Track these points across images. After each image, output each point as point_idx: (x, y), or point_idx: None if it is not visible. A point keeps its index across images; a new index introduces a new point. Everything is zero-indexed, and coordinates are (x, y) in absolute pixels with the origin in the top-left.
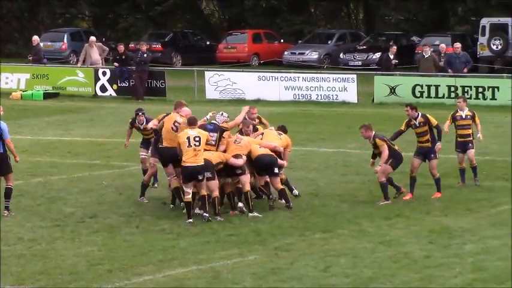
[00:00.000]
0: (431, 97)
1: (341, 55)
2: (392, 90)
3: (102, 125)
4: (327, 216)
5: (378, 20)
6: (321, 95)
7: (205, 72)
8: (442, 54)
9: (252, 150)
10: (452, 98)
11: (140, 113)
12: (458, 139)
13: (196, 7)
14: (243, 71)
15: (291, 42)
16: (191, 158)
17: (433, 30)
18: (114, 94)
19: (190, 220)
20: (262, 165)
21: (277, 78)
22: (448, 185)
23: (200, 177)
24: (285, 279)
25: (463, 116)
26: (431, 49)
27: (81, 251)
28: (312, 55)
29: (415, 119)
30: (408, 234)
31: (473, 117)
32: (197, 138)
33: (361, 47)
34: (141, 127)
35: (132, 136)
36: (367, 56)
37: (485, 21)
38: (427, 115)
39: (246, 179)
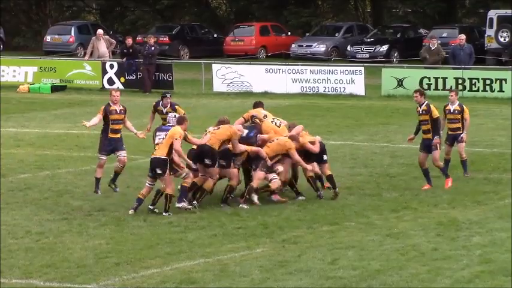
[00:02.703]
0: (438, 89)
1: (348, 47)
2: (400, 83)
3: None
4: (334, 209)
5: (385, 13)
6: (328, 87)
7: (213, 65)
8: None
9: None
10: (460, 90)
11: (168, 95)
12: (449, 132)
13: (203, 0)
14: (250, 64)
15: (298, 34)
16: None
17: (441, 23)
18: (121, 87)
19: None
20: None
21: (285, 71)
22: (456, 177)
23: (158, 171)
24: (293, 271)
25: (451, 110)
26: (438, 41)
27: (89, 244)
28: (320, 48)
29: (420, 105)
30: (416, 226)
31: (461, 112)
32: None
33: (369, 40)
34: (164, 111)
35: (137, 129)
36: (375, 49)
37: (492, 14)
38: (431, 105)
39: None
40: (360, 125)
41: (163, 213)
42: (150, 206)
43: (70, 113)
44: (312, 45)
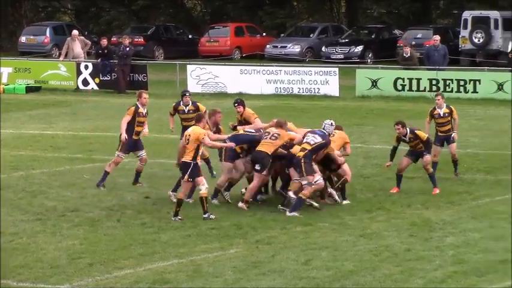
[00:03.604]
0: (412, 90)
1: (323, 48)
2: (374, 84)
3: (84, 119)
4: (308, 210)
5: (360, 13)
6: (302, 88)
7: (188, 65)
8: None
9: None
10: (434, 91)
11: (187, 94)
12: (439, 134)
13: (179, 1)
14: (225, 65)
15: (273, 35)
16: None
17: (415, 24)
18: (96, 88)
19: (174, 218)
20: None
21: (259, 72)
22: (427, 178)
23: (181, 174)
24: (266, 272)
25: (441, 114)
26: (412, 42)
27: (62, 244)
28: (294, 48)
29: (405, 136)
30: (389, 227)
31: (451, 114)
32: (188, 136)
33: (343, 41)
34: (186, 109)
35: (112, 129)
36: (349, 49)
37: (467, 14)
38: (416, 131)
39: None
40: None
41: (204, 216)
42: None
43: (45, 114)
44: (286, 46)
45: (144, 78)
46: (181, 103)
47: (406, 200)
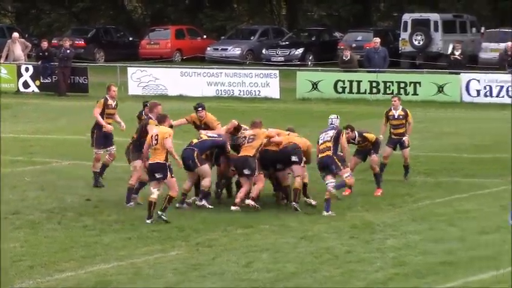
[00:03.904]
0: (353, 92)
1: (264, 51)
2: (315, 86)
3: (25, 121)
4: (249, 212)
5: (300, 16)
6: (243, 90)
7: (128, 68)
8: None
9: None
10: (374, 93)
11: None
12: (392, 136)
13: (119, 3)
14: (165, 67)
15: (213, 38)
16: (152, 156)
17: (356, 26)
18: (36, 90)
19: (148, 221)
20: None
21: (200, 74)
22: (370, 180)
23: (157, 175)
24: (207, 274)
25: (395, 116)
26: (352, 50)
27: (3, 247)
28: (235, 51)
29: (353, 139)
30: (330, 229)
31: (405, 117)
32: (156, 137)
33: (284, 43)
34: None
35: (53, 132)
36: (290, 52)
37: (407, 17)
38: (364, 134)
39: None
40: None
41: (158, 212)
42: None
43: None
44: (227, 49)
45: (85, 81)
46: (143, 113)
47: (346, 202)
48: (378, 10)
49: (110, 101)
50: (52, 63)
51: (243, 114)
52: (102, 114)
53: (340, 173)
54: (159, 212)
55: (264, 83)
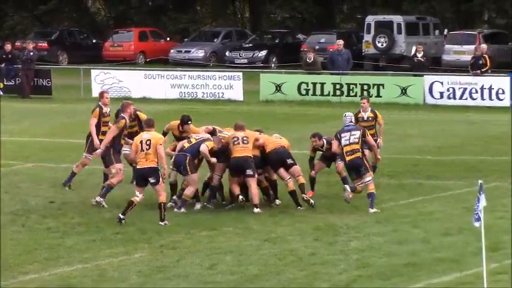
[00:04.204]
0: (316, 95)
1: (227, 53)
2: (278, 88)
3: None
4: (212, 214)
5: (263, 18)
6: (207, 93)
7: (92, 70)
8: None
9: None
10: (338, 95)
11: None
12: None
13: (82, 5)
14: (129, 69)
15: (177, 40)
16: (141, 161)
17: (319, 28)
18: (0, 92)
19: (122, 217)
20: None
21: (163, 77)
22: (335, 181)
23: (151, 180)
24: (171, 276)
25: (365, 118)
26: (316, 47)
27: None
28: (198, 53)
29: (322, 147)
30: (293, 231)
31: (375, 118)
32: (148, 142)
33: (247, 45)
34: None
35: (16, 134)
36: (253, 54)
37: (370, 19)
38: (330, 141)
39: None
40: None
41: (160, 223)
42: (120, 215)
43: None
44: (190, 51)
45: (48, 83)
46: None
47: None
48: (341, 12)
49: (105, 109)
50: (15, 66)
51: (206, 117)
52: (98, 123)
53: (364, 175)
54: (161, 223)
55: (228, 85)
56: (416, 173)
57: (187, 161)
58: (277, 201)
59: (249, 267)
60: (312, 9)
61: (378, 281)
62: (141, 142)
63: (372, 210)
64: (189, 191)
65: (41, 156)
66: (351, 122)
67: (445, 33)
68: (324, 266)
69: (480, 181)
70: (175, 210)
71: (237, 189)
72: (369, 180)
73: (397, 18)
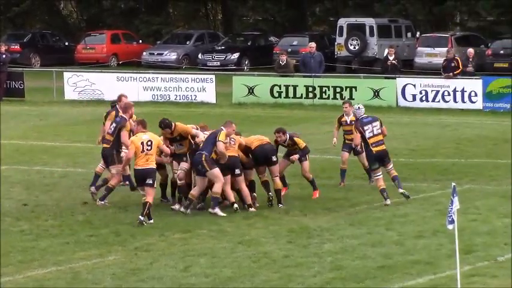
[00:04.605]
0: (289, 97)
1: (199, 55)
2: (251, 91)
3: None
4: (186, 216)
5: (236, 20)
6: (179, 95)
7: (64, 73)
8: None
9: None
10: (310, 98)
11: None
12: (346, 141)
13: (55, 8)
14: (101, 72)
15: (149, 42)
16: (142, 162)
17: (291, 31)
18: None
19: (141, 218)
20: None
21: (136, 79)
22: (307, 184)
23: (149, 181)
24: (145, 279)
25: (348, 122)
26: (289, 49)
27: None
28: (171, 56)
29: (284, 142)
30: (267, 233)
31: None
32: (149, 143)
33: (220, 48)
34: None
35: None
36: (226, 57)
37: (342, 22)
38: (294, 138)
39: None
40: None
41: (140, 217)
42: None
43: None
44: (163, 53)
45: (21, 86)
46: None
47: (284, 206)
48: (313, 14)
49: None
50: None
51: (179, 119)
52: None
53: (388, 164)
54: (140, 217)
55: (200, 87)
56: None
57: (203, 159)
58: (252, 209)
59: (223, 270)
60: (284, 12)
61: (351, 283)
62: (142, 143)
63: (401, 190)
64: (216, 188)
65: (14, 159)
66: (363, 113)
67: (417, 35)
68: (297, 269)
69: (453, 183)
70: (210, 210)
71: (231, 197)
72: (392, 167)
73: (369, 21)
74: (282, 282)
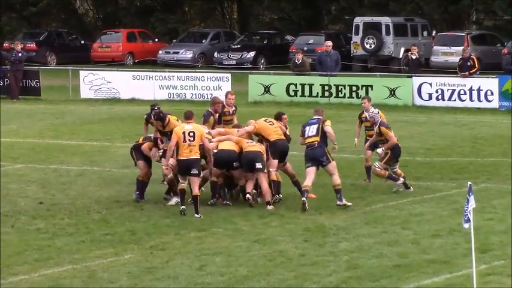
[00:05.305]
0: (305, 96)
1: (215, 54)
2: (267, 89)
3: None
4: (202, 215)
5: (252, 19)
6: (195, 94)
7: (80, 71)
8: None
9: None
10: (326, 96)
11: (156, 108)
12: (367, 137)
13: (71, 6)
14: (117, 70)
15: (165, 41)
16: (185, 152)
17: (307, 29)
18: None
19: (183, 207)
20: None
21: (152, 78)
22: (322, 183)
23: (194, 171)
24: (161, 278)
25: (368, 118)
26: (305, 48)
27: None
28: (187, 54)
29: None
30: (283, 232)
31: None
32: (191, 133)
33: (236, 46)
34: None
35: (5, 135)
36: (242, 55)
37: (358, 20)
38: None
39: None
40: None
41: (196, 215)
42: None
43: None
44: (179, 52)
45: (37, 84)
46: (151, 116)
47: (299, 205)
48: (329, 13)
49: (227, 108)
50: (4, 67)
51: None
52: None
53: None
54: (196, 215)
55: (216, 86)
56: (405, 174)
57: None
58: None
59: (239, 269)
60: (300, 11)
61: (367, 282)
62: (183, 133)
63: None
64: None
65: (30, 158)
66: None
67: (433, 34)
68: (313, 267)
69: (469, 182)
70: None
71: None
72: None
73: (385, 20)
74: (298, 281)
